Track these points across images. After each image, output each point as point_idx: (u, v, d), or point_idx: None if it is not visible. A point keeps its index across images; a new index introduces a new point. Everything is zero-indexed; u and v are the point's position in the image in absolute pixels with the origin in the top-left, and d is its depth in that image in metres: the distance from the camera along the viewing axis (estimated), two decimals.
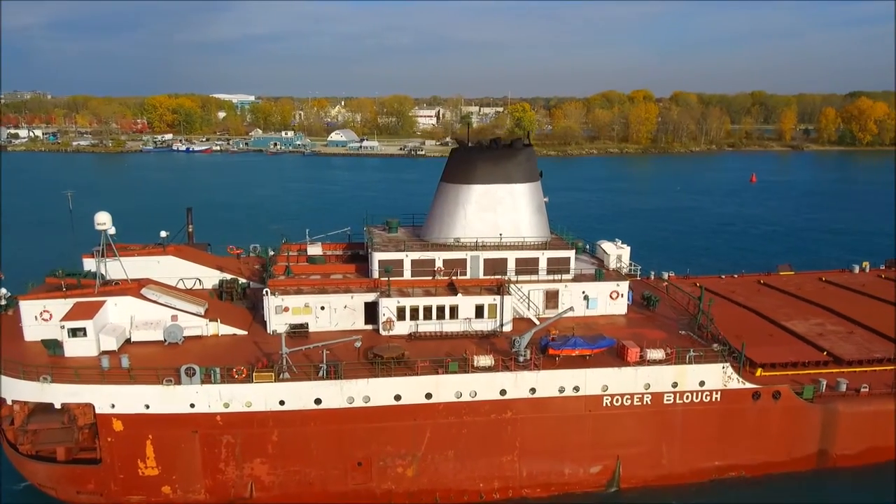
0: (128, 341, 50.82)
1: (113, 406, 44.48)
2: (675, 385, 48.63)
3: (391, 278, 54.73)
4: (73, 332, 47.99)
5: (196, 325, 52.45)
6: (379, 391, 45.81)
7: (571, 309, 52.78)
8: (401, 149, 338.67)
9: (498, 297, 53.40)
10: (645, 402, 48.66)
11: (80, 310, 49.43)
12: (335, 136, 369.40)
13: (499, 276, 56.56)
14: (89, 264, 61.03)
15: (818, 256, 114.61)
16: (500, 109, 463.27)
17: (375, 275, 56.18)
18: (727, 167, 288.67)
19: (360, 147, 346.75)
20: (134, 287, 53.41)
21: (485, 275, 57.07)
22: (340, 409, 45.69)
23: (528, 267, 57.36)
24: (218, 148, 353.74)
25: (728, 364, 48.98)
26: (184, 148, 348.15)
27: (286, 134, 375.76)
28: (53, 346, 48.48)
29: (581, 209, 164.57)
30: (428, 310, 52.91)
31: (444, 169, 61.00)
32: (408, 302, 52.72)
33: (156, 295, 52.81)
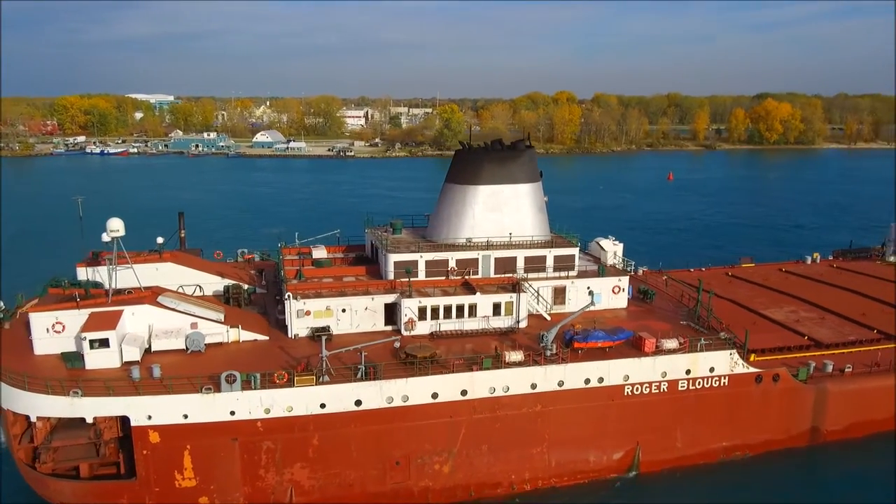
0: (147, 351, 49.51)
1: (150, 417, 43.41)
2: (688, 372, 51.85)
3: (402, 280, 55.69)
4: (95, 344, 46.44)
5: (217, 332, 51.65)
6: (417, 390, 46.68)
7: (593, 304, 55.14)
8: (329, 150, 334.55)
9: (514, 295, 55.21)
10: (662, 390, 51.63)
11: (98, 320, 47.81)
12: (260, 138, 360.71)
13: (509, 275, 58.40)
14: (83, 273, 58.99)
15: (739, 250, 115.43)
16: (430, 110, 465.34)
17: (391, 276, 56.87)
18: (646, 166, 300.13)
19: (287, 148, 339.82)
20: (149, 295, 51.99)
21: (495, 273, 58.76)
22: (380, 410, 46.27)
23: (535, 265, 59.45)
24: (135, 150, 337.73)
25: (735, 351, 52.64)
26: (98, 150, 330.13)
27: (208, 135, 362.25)
28: (73, 358, 46.76)
29: None
30: (448, 309, 54.13)
31: (449, 171, 62.28)
32: (429, 302, 53.74)
33: (174, 303, 51.59)
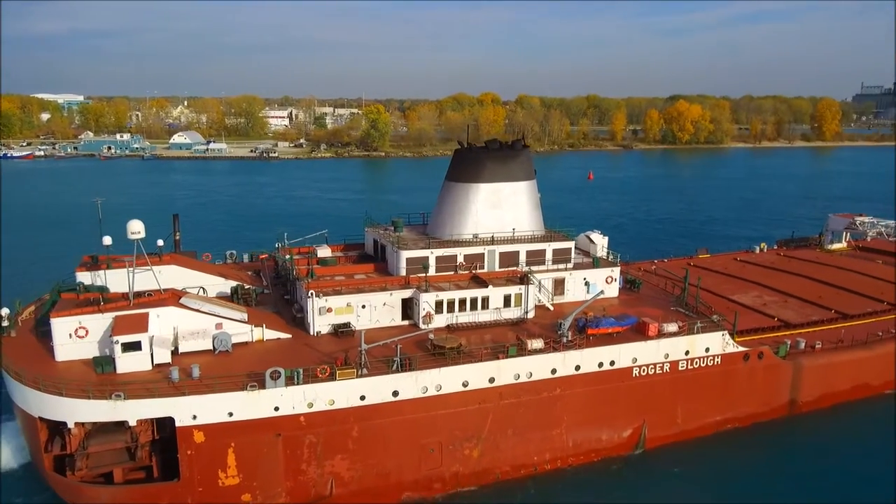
0: (174, 353, 49.28)
1: (194, 417, 43.60)
2: (686, 353, 56.31)
3: (417, 275, 57.70)
4: (128, 347, 46.05)
5: (242, 331, 51.98)
6: (449, 379, 48.81)
7: (602, 293, 58.74)
8: (252, 151, 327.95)
9: (522, 287, 58.16)
10: (664, 370, 55.85)
11: (128, 323, 47.35)
12: (178, 139, 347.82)
13: (513, 268, 61.33)
14: (83, 278, 57.70)
15: (662, 246, 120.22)
16: (356, 111, 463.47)
17: (403, 272, 58.61)
18: (568, 166, 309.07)
19: (207, 150, 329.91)
20: (170, 297, 51.67)
21: (500, 267, 61.53)
22: (415, 399, 48.12)
23: (536, 259, 62.62)
24: (41, 153, 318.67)
25: (727, 332, 57.58)
26: None
27: (122, 137, 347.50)
28: (104, 363, 46.17)
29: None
30: (462, 302, 56.46)
31: (449, 169, 64.58)
32: (445, 296, 55.89)
33: (198, 304, 51.53)
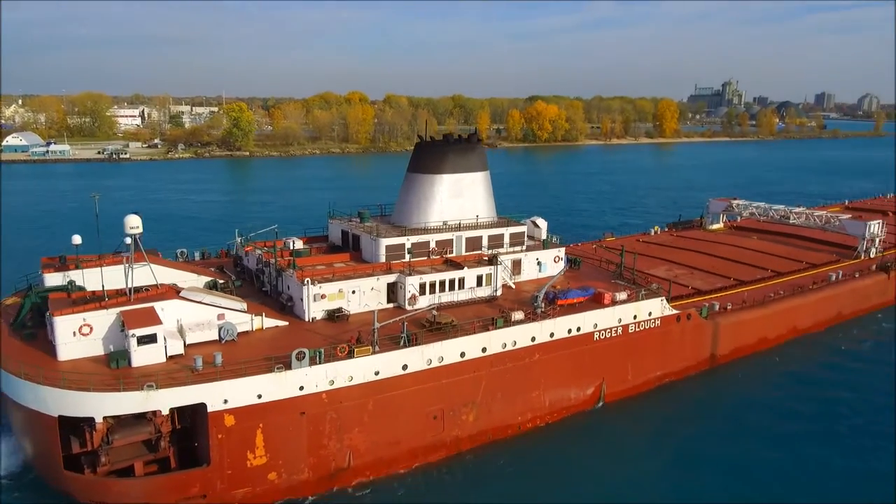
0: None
1: (226, 401, 45.09)
2: (635, 317, 64.73)
3: (397, 261, 61.77)
4: (143, 340, 46.40)
5: (243, 321, 53.35)
6: (450, 351, 53.49)
7: (564, 270, 65.61)
8: (100, 152, 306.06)
9: (492, 268, 63.86)
10: (618, 333, 63.88)
11: (139, 317, 47.52)
12: (12, 141, 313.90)
13: (477, 252, 66.86)
14: (52, 280, 56.18)
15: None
16: (215, 109, 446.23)
17: (382, 259, 62.25)
18: None
19: (47, 152, 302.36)
20: (169, 291, 51.97)
21: (466, 251, 66.80)
22: (422, 371, 52.33)
23: (496, 242, 68.54)
24: None
25: (664, 297, 66.73)
26: None
27: None
28: (119, 357, 46.18)
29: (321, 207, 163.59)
30: (443, 284, 61.14)
31: (412, 162, 68.92)
32: (428, 278, 60.30)
33: (200, 296, 52.23)
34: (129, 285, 50.40)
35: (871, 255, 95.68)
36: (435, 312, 56.33)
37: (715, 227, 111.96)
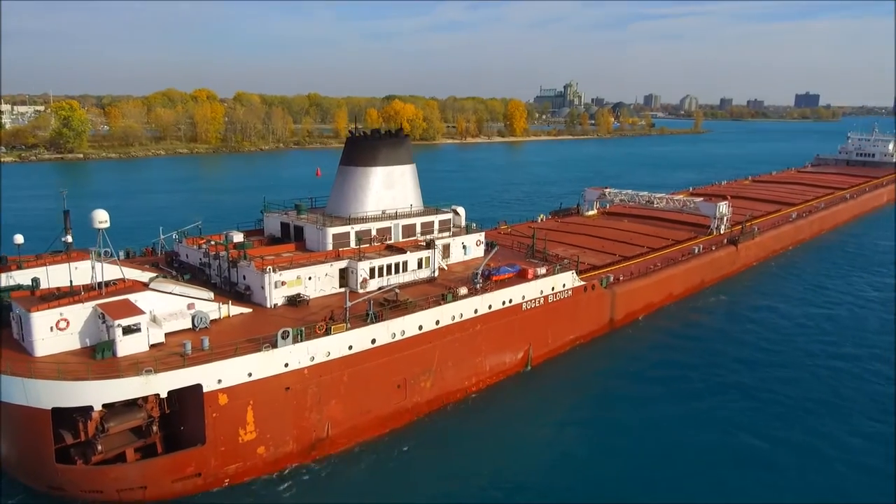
0: None
1: (219, 381, 47.65)
2: (553, 289, 73.62)
3: (345, 248, 66.22)
4: (128, 330, 47.68)
5: (211, 309, 55.36)
6: (410, 324, 58.94)
7: (496, 250, 72.91)
8: None
9: (430, 252, 69.94)
10: (540, 304, 72.40)
11: (119, 309, 48.58)
12: None
13: (413, 238, 72.60)
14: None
15: None
16: (42, 108, 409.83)
17: (329, 247, 66.26)
18: (296, 163, 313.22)
19: None
20: (136, 284, 53.02)
21: (403, 238, 72.28)
22: (388, 344, 57.39)
23: (427, 229, 74.64)
24: None
25: (574, 271, 76.27)
26: None
27: None
28: (105, 348, 47.17)
29: (174, 211, 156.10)
30: (389, 267, 66.31)
31: (344, 155, 73.31)
32: (377, 263, 65.23)
33: (169, 287, 53.63)
34: (101, 279, 50.97)
35: (721, 232, 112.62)
36: (397, 291, 61.43)
37: (590, 213, 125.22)
